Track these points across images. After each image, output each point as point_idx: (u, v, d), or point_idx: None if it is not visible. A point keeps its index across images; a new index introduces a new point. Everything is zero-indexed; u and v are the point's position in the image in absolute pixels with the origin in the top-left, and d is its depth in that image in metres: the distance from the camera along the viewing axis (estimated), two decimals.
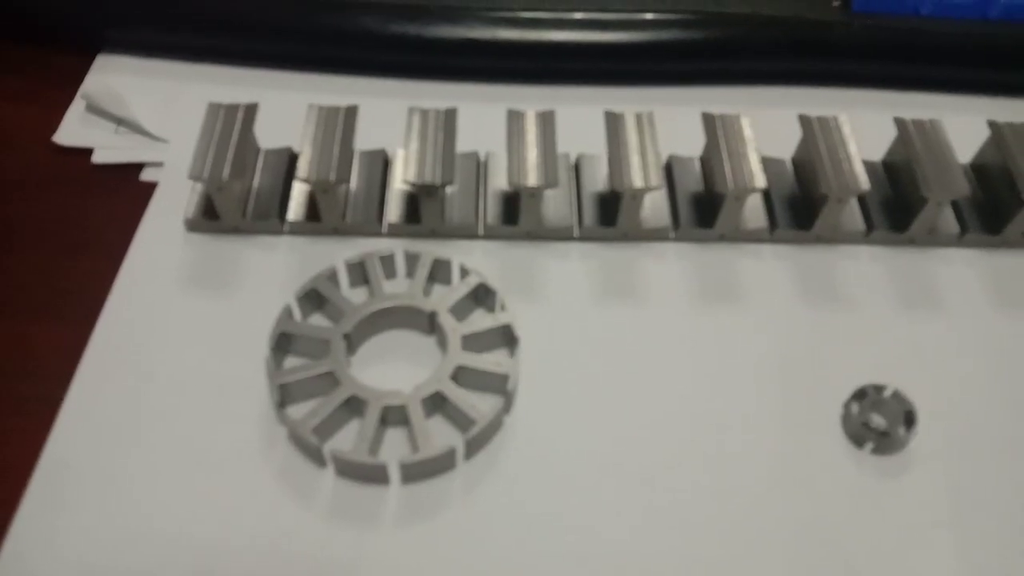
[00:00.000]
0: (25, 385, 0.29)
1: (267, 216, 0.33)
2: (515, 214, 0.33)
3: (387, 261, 0.31)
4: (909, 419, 0.28)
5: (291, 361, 0.30)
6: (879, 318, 0.32)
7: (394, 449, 0.28)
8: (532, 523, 0.27)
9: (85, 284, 0.32)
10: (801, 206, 0.34)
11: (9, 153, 0.36)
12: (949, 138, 0.33)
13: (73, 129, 0.37)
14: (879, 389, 0.29)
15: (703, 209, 0.34)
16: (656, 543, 0.27)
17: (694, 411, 0.29)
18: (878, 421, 0.29)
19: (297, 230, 0.33)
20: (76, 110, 0.37)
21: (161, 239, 0.33)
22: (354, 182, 0.34)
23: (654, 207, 0.34)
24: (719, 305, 0.32)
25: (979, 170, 0.35)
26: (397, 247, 0.31)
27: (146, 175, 0.35)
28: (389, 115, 0.34)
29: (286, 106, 0.35)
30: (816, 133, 0.33)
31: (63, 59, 0.38)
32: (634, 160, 0.32)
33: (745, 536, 0.27)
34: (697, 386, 0.30)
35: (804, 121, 0.33)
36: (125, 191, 0.35)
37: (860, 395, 0.29)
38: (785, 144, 0.35)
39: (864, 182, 0.31)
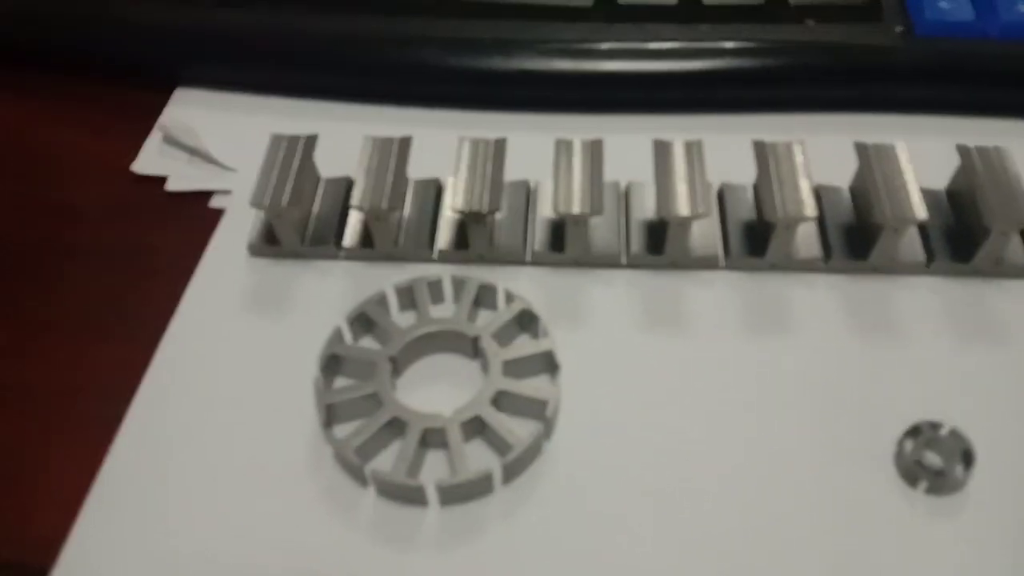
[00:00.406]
0: (89, 403, 0.31)
1: (324, 242, 0.34)
2: (562, 241, 0.33)
3: (435, 286, 0.32)
4: (967, 458, 0.27)
5: (340, 382, 0.31)
6: (937, 351, 0.31)
7: (435, 471, 0.28)
8: (568, 550, 0.27)
9: (153, 305, 0.33)
10: (857, 235, 0.33)
11: (90, 181, 0.39)
12: (1016, 165, 0.32)
13: (150, 159, 0.39)
14: (935, 426, 0.28)
15: (754, 238, 0.33)
16: (696, 573, 0.26)
17: (739, 444, 0.29)
18: (932, 459, 0.27)
19: (352, 255, 0.34)
20: (153, 141, 0.40)
21: (225, 263, 0.35)
22: (407, 210, 0.35)
23: (704, 235, 0.34)
24: (769, 335, 0.31)
25: None
26: (445, 272, 0.32)
27: (215, 202, 0.37)
28: (442, 145, 0.35)
29: (345, 137, 0.36)
30: (872, 160, 0.32)
31: (141, 94, 0.41)
32: (681, 188, 0.32)
33: (789, 574, 0.26)
34: (743, 418, 0.29)
35: (860, 148, 0.33)
36: (196, 218, 0.37)
37: (914, 432, 0.28)
38: (842, 172, 0.34)
39: (921, 211, 0.30)
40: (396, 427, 0.28)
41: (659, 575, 0.26)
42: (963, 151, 0.32)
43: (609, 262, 0.34)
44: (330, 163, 0.36)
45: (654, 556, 0.26)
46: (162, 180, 0.38)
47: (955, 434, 0.28)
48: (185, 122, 0.39)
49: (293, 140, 0.34)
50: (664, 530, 0.27)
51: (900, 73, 0.38)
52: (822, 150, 0.33)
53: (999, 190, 0.31)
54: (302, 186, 0.33)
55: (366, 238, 0.34)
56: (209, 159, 0.38)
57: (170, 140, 0.39)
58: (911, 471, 0.27)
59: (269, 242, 0.34)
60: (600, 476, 0.28)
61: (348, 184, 0.36)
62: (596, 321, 0.32)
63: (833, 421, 0.29)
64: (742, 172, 0.34)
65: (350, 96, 0.40)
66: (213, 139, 0.39)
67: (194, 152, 0.39)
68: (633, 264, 0.34)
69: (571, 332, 0.32)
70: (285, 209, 0.32)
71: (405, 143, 0.34)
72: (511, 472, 0.28)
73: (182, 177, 0.38)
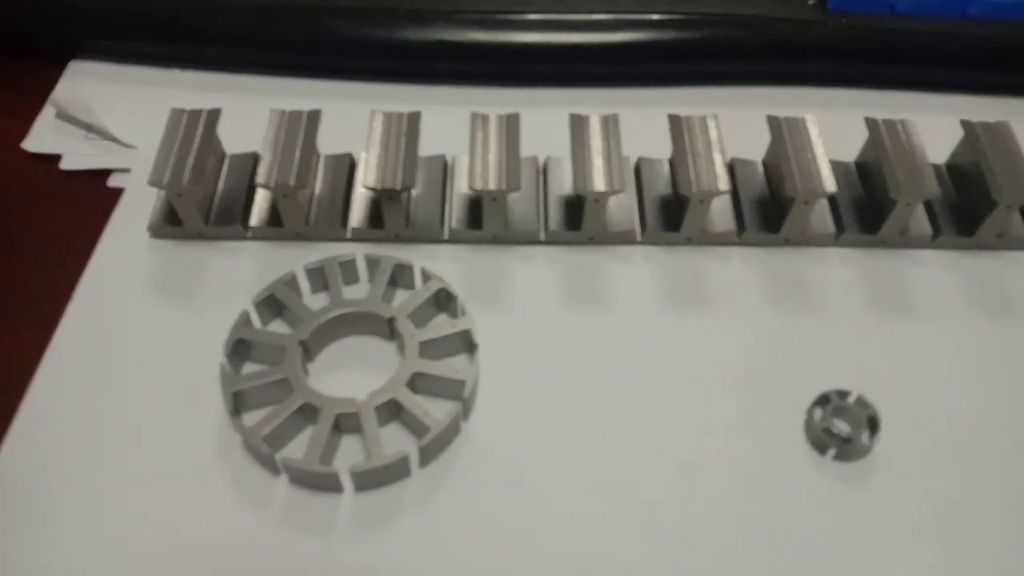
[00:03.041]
0: None
1: (230, 222, 0.33)
2: (480, 218, 0.33)
3: (348, 266, 0.31)
4: (873, 425, 0.28)
5: (250, 369, 0.29)
6: (848, 322, 0.31)
7: (351, 457, 0.28)
8: (489, 531, 0.26)
9: (49, 291, 0.32)
10: (770, 208, 0.33)
11: None
12: (921, 138, 0.32)
13: (43, 136, 0.37)
14: (843, 394, 0.28)
15: (670, 212, 0.33)
16: (617, 550, 0.26)
17: (657, 417, 0.29)
18: (841, 427, 0.28)
19: (260, 235, 0.33)
20: (46, 117, 0.37)
21: (125, 245, 0.33)
22: (318, 187, 0.34)
23: (621, 210, 0.33)
24: (685, 309, 0.32)
25: (953, 170, 0.34)
26: (358, 252, 0.31)
27: (114, 181, 0.35)
28: (355, 118, 0.34)
29: (253, 111, 0.34)
30: (784, 134, 0.32)
31: (32, 66, 0.38)
32: (598, 163, 0.31)
33: (707, 542, 0.26)
34: (661, 391, 0.29)
35: (772, 122, 0.33)
36: (93, 198, 0.35)
37: (823, 400, 0.28)
38: (758, 146, 0.35)
39: (831, 184, 0.31)
40: (308, 413, 0.27)
41: (580, 551, 0.26)
42: (871, 124, 0.33)
43: (528, 238, 0.33)
44: (237, 138, 0.34)
45: (575, 532, 0.26)
46: (56, 159, 0.36)
47: (862, 402, 0.28)
48: (80, 97, 0.37)
49: (194, 115, 0.33)
50: (584, 506, 0.27)
51: (812, 47, 0.38)
52: (738, 123, 0.33)
53: (905, 162, 0.32)
54: (204, 163, 0.31)
55: (274, 217, 0.33)
56: (107, 136, 0.36)
57: (64, 116, 0.37)
58: (819, 439, 0.28)
59: (171, 223, 0.33)
60: (521, 454, 0.28)
61: (255, 160, 0.34)
62: (516, 298, 0.32)
63: (748, 392, 0.30)
64: (661, 146, 0.34)
65: (258, 68, 0.38)
66: (111, 115, 0.37)
67: (90, 128, 0.37)
68: (551, 240, 0.33)
69: (490, 310, 0.31)
70: (186, 187, 0.31)
71: (314, 117, 0.33)
72: (428, 454, 0.27)
73: (78, 155, 0.36)
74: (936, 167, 0.34)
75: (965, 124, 0.33)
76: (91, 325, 0.31)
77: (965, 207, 0.33)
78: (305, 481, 0.27)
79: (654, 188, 0.34)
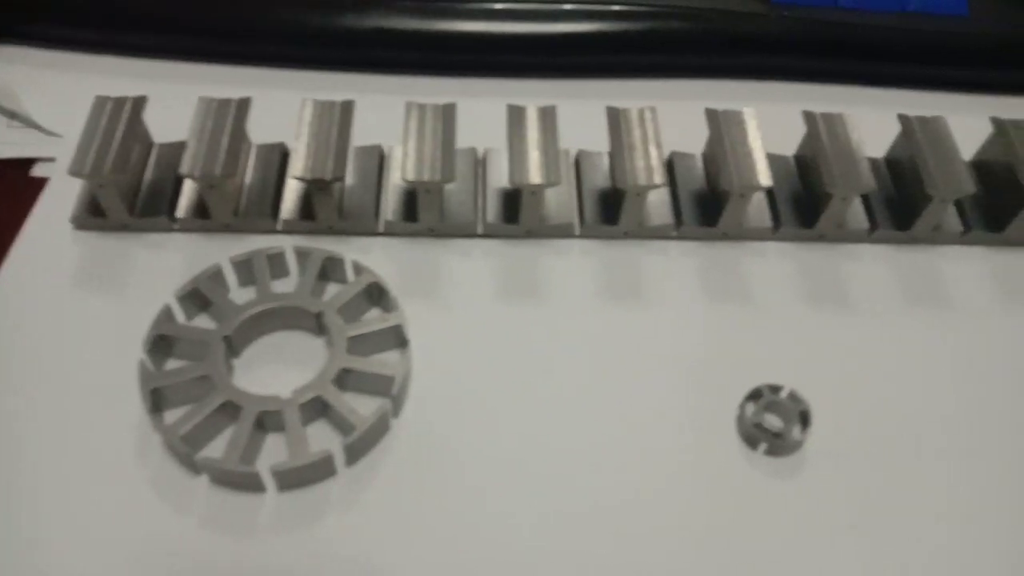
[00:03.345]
0: None
1: (156, 213, 0.32)
2: (415, 211, 0.32)
3: (277, 259, 0.30)
4: (804, 419, 0.28)
5: (174, 365, 0.28)
6: (784, 316, 0.31)
7: (277, 456, 0.27)
8: (419, 529, 0.26)
9: None
10: (709, 202, 0.33)
11: None
12: (859, 132, 0.32)
13: None
14: (775, 389, 0.28)
15: (609, 205, 0.33)
16: (550, 544, 0.26)
17: (592, 411, 0.29)
18: (772, 422, 0.28)
19: (187, 227, 0.32)
20: None
21: (47, 237, 0.32)
22: (249, 177, 0.33)
23: (559, 203, 0.33)
24: (622, 303, 0.31)
25: (891, 165, 0.34)
26: (287, 244, 0.30)
27: (38, 171, 0.34)
28: (288, 107, 0.33)
29: (183, 99, 0.33)
30: (722, 127, 0.32)
31: None
32: (534, 155, 0.31)
33: (640, 536, 0.26)
34: (596, 385, 0.29)
35: (710, 115, 0.33)
36: (16, 188, 0.33)
37: (755, 395, 0.28)
38: (699, 139, 0.34)
39: (766, 177, 0.31)
40: (230, 411, 0.27)
41: (513, 547, 0.26)
42: (808, 117, 0.33)
43: (465, 231, 0.33)
44: (169, 127, 0.33)
45: (508, 529, 0.26)
46: None
47: (794, 396, 0.28)
48: (4, 83, 0.36)
49: (119, 102, 0.32)
50: (517, 502, 0.27)
51: (755, 40, 0.38)
52: (680, 116, 0.33)
53: (841, 156, 0.32)
54: (128, 152, 0.30)
55: (201, 208, 0.32)
56: (30, 123, 0.35)
57: None
58: (751, 434, 0.28)
59: (94, 214, 0.32)
60: (453, 451, 0.27)
61: (183, 150, 0.33)
62: (451, 292, 0.31)
63: (683, 385, 0.29)
64: (602, 138, 0.34)
65: (187, 55, 0.37)
66: (35, 102, 0.35)
67: (14, 116, 0.35)
68: (489, 233, 0.33)
69: (425, 304, 0.31)
70: (108, 177, 0.30)
71: (243, 105, 0.32)
72: (355, 452, 0.27)
73: (1, 143, 0.35)
74: (874, 161, 0.34)
75: (902, 119, 0.33)
76: (9, 319, 0.29)
77: (902, 201, 0.33)
78: (227, 481, 0.26)
79: (593, 181, 0.34)
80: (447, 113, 0.32)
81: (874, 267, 0.33)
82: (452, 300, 0.31)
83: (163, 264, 0.31)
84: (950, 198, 0.32)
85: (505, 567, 0.25)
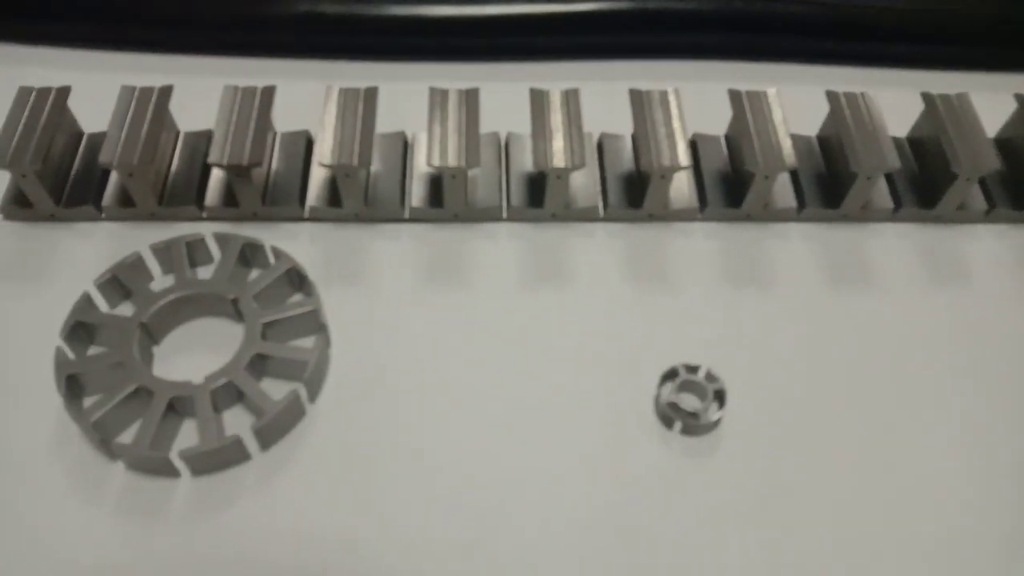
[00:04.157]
0: None
1: (82, 202, 0.32)
2: (339, 195, 0.32)
3: (197, 246, 0.30)
4: (720, 399, 0.28)
5: (94, 352, 0.29)
6: (706, 297, 0.31)
7: (192, 442, 0.27)
8: (333, 512, 0.26)
9: None
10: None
11: None
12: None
13: None
14: (692, 369, 0.28)
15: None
16: (466, 527, 0.26)
17: (514, 393, 0.29)
18: (688, 401, 0.28)
19: (113, 216, 0.32)
20: None
21: None
22: (174, 165, 0.33)
23: (487, 187, 0.33)
24: (548, 286, 0.31)
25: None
26: (207, 231, 0.30)
27: None
28: (212, 94, 0.33)
29: (111, 88, 0.33)
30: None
31: None
32: (453, 139, 0.31)
33: (557, 515, 0.26)
34: (519, 368, 0.29)
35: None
36: None
37: (671, 375, 0.28)
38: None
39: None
40: (144, 397, 0.27)
41: (428, 530, 0.26)
42: (733, 96, 0.33)
43: (391, 216, 0.33)
44: (98, 117, 0.33)
45: (423, 514, 0.26)
46: None
47: (710, 376, 0.28)
48: None
49: (43, 92, 0.32)
50: (434, 487, 0.27)
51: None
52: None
53: (761, 136, 0.31)
54: (52, 142, 0.30)
55: (125, 197, 0.32)
56: None
57: None
58: (667, 413, 0.28)
59: (21, 204, 0.32)
60: (370, 435, 0.28)
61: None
62: (376, 277, 0.31)
63: (605, 367, 0.29)
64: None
65: (112, 45, 0.37)
66: None
67: None
68: (415, 218, 0.33)
69: (349, 290, 0.31)
70: (28, 167, 0.30)
71: (165, 92, 0.32)
72: (268, 437, 0.27)
73: None
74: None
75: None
76: None
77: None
78: (141, 466, 0.26)
79: (520, 165, 0.34)
80: (367, 98, 0.32)
81: (800, 245, 0.33)
82: (376, 285, 0.31)
83: (89, 253, 0.31)
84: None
85: (420, 550, 0.26)
